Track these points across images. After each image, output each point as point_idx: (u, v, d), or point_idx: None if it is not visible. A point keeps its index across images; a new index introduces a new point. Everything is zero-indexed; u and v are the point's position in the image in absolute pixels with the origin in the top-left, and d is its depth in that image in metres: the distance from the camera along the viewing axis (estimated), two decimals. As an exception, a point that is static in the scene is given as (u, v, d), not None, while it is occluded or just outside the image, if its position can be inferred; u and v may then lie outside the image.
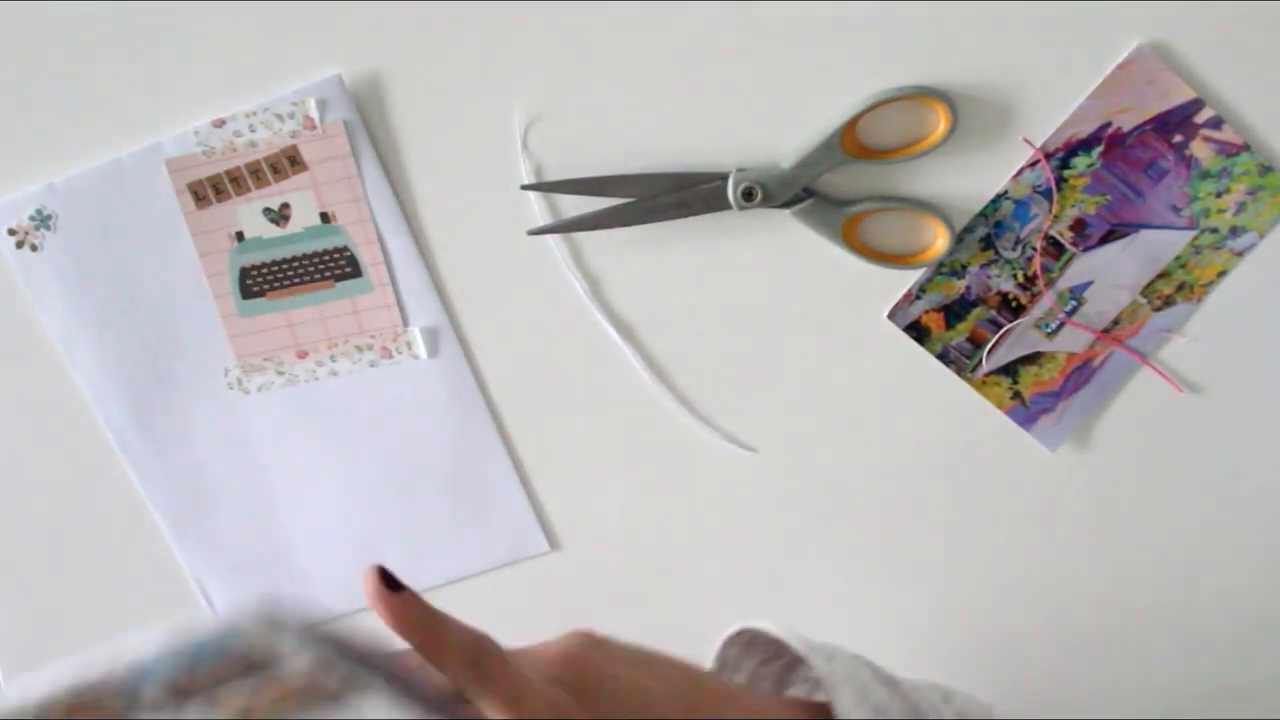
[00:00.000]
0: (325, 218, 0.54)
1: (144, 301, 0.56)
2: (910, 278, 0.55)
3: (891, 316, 0.56)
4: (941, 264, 0.55)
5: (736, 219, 0.54)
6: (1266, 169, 0.53)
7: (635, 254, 0.55)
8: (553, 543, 0.61)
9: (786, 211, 0.53)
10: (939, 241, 0.54)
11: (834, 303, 0.56)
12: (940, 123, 0.52)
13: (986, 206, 0.54)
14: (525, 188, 0.53)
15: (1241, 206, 0.54)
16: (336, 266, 0.54)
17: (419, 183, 0.54)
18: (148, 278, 0.55)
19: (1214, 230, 0.54)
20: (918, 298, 0.55)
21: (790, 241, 0.54)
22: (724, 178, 0.52)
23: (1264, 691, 0.64)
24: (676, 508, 0.60)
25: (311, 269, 0.55)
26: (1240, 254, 0.55)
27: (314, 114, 0.52)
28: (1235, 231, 0.54)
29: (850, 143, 0.52)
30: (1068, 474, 0.59)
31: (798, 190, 0.53)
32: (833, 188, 0.53)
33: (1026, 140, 0.53)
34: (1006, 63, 0.51)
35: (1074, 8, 0.50)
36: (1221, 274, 0.55)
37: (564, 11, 0.51)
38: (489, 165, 0.54)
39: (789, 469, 0.59)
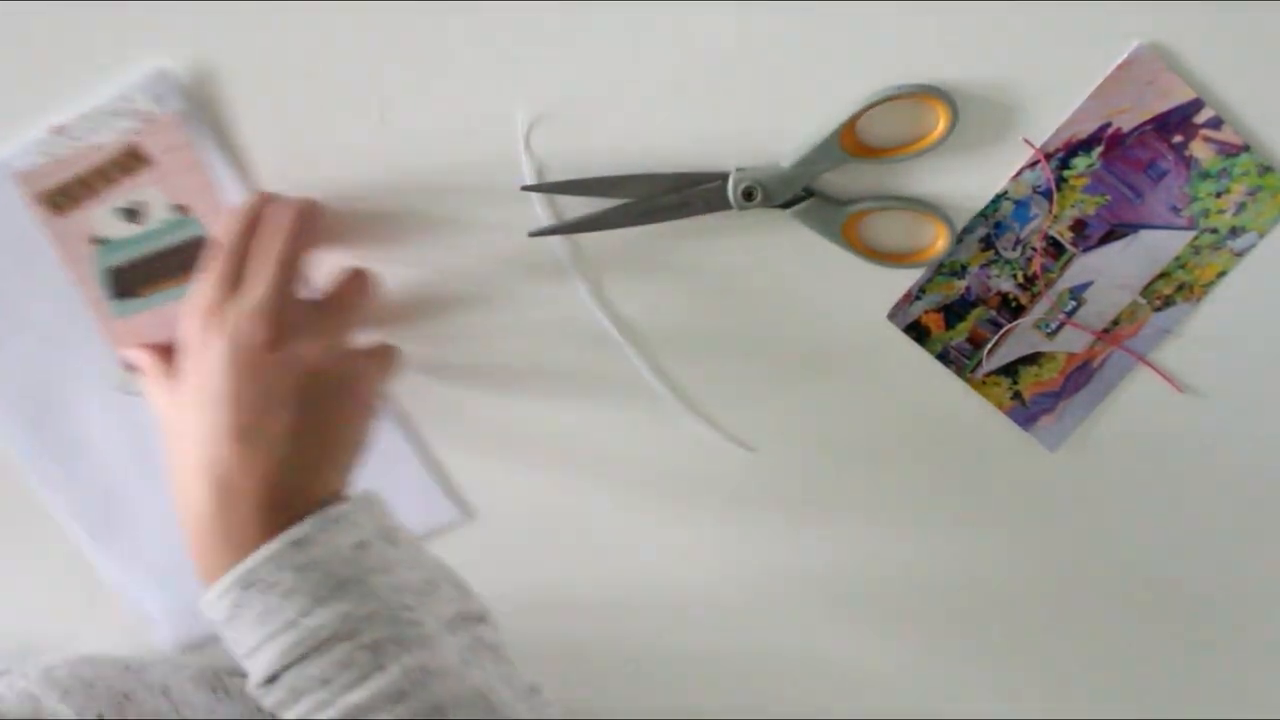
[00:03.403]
0: (180, 210, 0.54)
1: (21, 318, 0.56)
2: (910, 278, 0.55)
3: (891, 316, 0.56)
4: (941, 264, 0.55)
5: (736, 219, 0.54)
6: (1266, 169, 0.53)
7: (636, 254, 0.55)
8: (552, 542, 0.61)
9: (786, 211, 0.53)
10: (939, 241, 0.54)
11: (834, 303, 0.56)
12: (940, 122, 0.52)
13: (986, 206, 0.54)
14: (526, 188, 0.54)
15: (1241, 207, 0.54)
16: (199, 256, 0.53)
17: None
18: (20, 293, 0.55)
19: (1214, 230, 0.54)
20: (918, 298, 0.55)
21: (790, 241, 0.54)
22: (724, 178, 0.52)
23: (1264, 691, 0.64)
24: (676, 507, 0.60)
25: (176, 262, 0.55)
26: (1240, 254, 0.55)
27: (148, 108, 0.52)
28: (1235, 232, 0.54)
29: (850, 142, 0.52)
30: (1068, 474, 0.59)
31: (798, 190, 0.53)
32: (833, 187, 0.53)
33: (1026, 140, 0.53)
34: (1006, 63, 0.51)
35: (1074, 8, 0.50)
36: (1221, 274, 0.55)
37: (565, 12, 0.51)
38: (489, 166, 0.54)
39: (789, 468, 0.59)
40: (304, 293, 0.50)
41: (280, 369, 0.47)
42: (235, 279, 0.49)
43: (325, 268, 0.53)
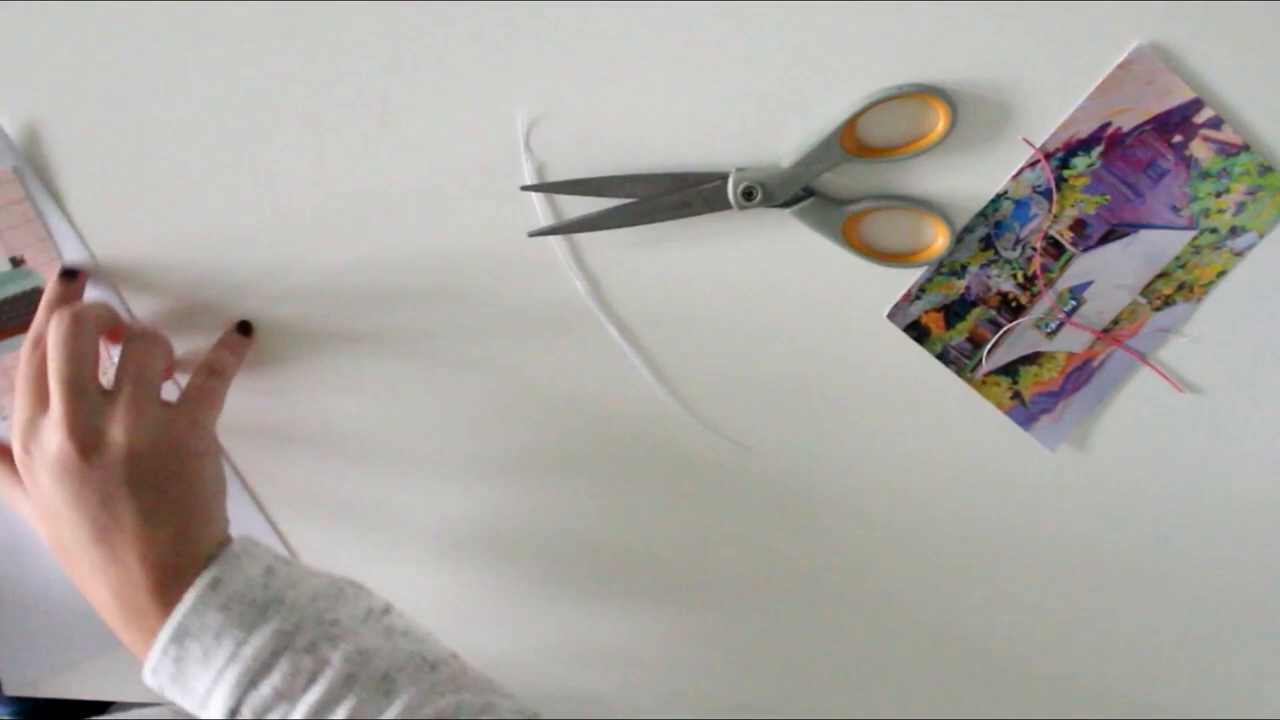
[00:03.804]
0: (16, 262, 0.56)
1: None
2: (910, 277, 0.55)
3: (891, 316, 0.56)
4: (941, 264, 0.55)
5: (736, 219, 0.54)
6: (1266, 169, 0.53)
7: (636, 254, 0.55)
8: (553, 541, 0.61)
9: (786, 211, 0.53)
10: (939, 241, 0.54)
11: (834, 303, 0.56)
12: (940, 121, 0.52)
13: (986, 206, 0.54)
14: (526, 189, 0.54)
15: (1241, 206, 0.54)
16: (37, 307, 0.55)
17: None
18: None
19: (1213, 230, 0.54)
20: (918, 298, 0.55)
21: (790, 241, 0.54)
22: (724, 178, 0.52)
23: (1264, 691, 0.64)
24: (676, 507, 0.60)
25: (13, 313, 0.57)
26: (1240, 254, 0.55)
27: None
28: (1235, 231, 0.54)
29: (850, 141, 0.52)
30: (1068, 474, 0.59)
31: (798, 190, 0.53)
32: (833, 187, 0.53)
33: (1026, 140, 0.53)
34: (1006, 62, 0.51)
35: (1074, 8, 0.50)
36: (1221, 274, 0.55)
37: (565, 12, 0.51)
38: (489, 166, 0.54)
39: (789, 469, 0.59)
40: (102, 378, 0.52)
41: (101, 470, 0.49)
42: (40, 398, 0.51)
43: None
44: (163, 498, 0.49)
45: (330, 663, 0.47)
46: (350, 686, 0.46)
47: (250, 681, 0.46)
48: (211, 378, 0.54)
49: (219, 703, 0.47)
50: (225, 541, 0.50)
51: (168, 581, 0.48)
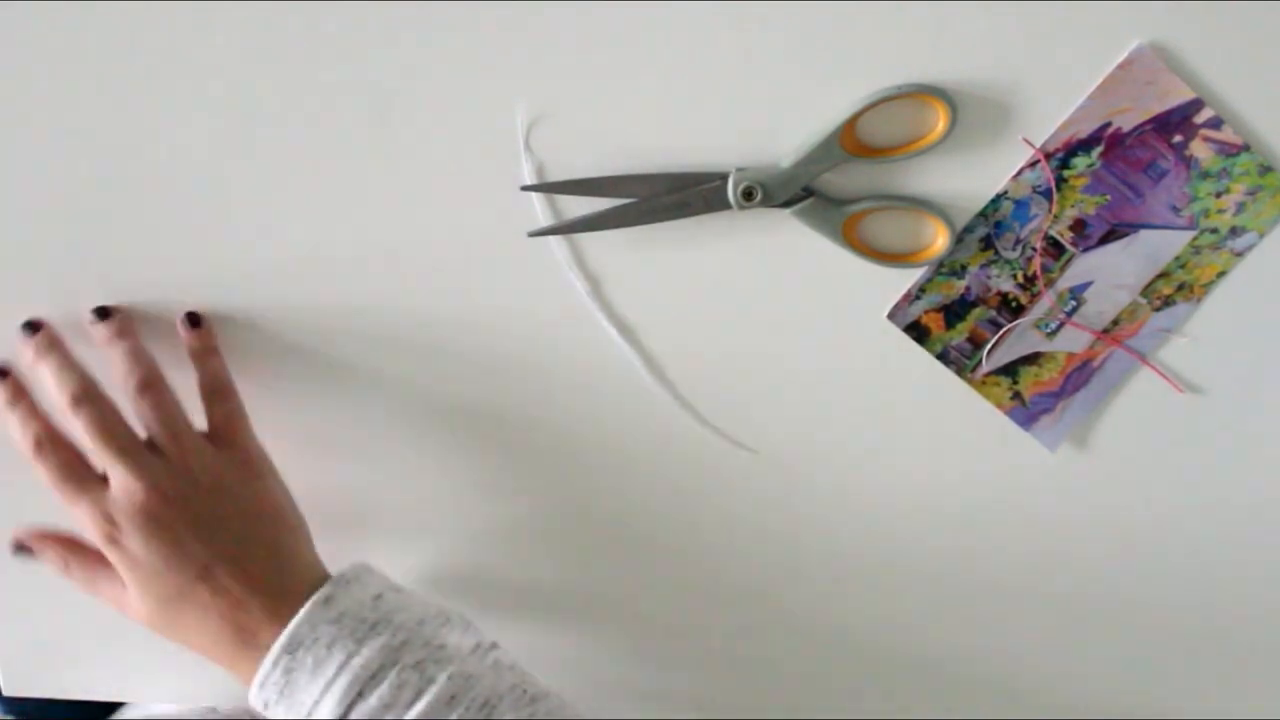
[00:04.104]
0: None
1: None
2: (910, 277, 0.55)
3: (891, 316, 0.56)
4: (941, 264, 0.55)
5: (736, 219, 0.54)
6: (1266, 169, 0.53)
7: (636, 254, 0.55)
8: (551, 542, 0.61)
9: (786, 211, 0.53)
10: (939, 241, 0.54)
11: (834, 303, 0.56)
12: (940, 121, 0.52)
13: (986, 206, 0.54)
14: (526, 189, 0.54)
15: (1241, 207, 0.54)
16: None
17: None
18: None
19: (1214, 230, 0.54)
20: (918, 298, 0.55)
21: (790, 241, 0.54)
22: (724, 178, 0.52)
23: (1264, 691, 0.64)
24: (676, 508, 0.60)
25: None
26: (1240, 254, 0.55)
27: None
28: (1235, 231, 0.54)
29: (850, 141, 0.52)
30: (1068, 474, 0.59)
31: (797, 190, 0.53)
32: (833, 187, 0.53)
33: (1026, 140, 0.53)
34: (1006, 62, 0.51)
35: (1074, 8, 0.50)
36: (1221, 274, 0.55)
37: (565, 12, 0.51)
38: (489, 166, 0.54)
39: (789, 469, 0.59)
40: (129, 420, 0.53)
41: (188, 510, 0.51)
42: (89, 480, 0.52)
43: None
44: (249, 521, 0.52)
45: (435, 681, 0.49)
46: (453, 707, 0.48)
47: (359, 692, 0.48)
48: (222, 401, 0.55)
49: (328, 708, 0.48)
50: (327, 576, 0.53)
51: (276, 598, 0.51)
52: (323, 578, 0.52)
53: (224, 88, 0.53)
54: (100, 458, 0.51)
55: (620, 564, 0.62)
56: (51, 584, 0.56)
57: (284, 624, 0.50)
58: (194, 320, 0.56)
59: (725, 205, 0.53)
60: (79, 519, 0.52)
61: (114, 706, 0.72)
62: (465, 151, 0.54)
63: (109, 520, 0.51)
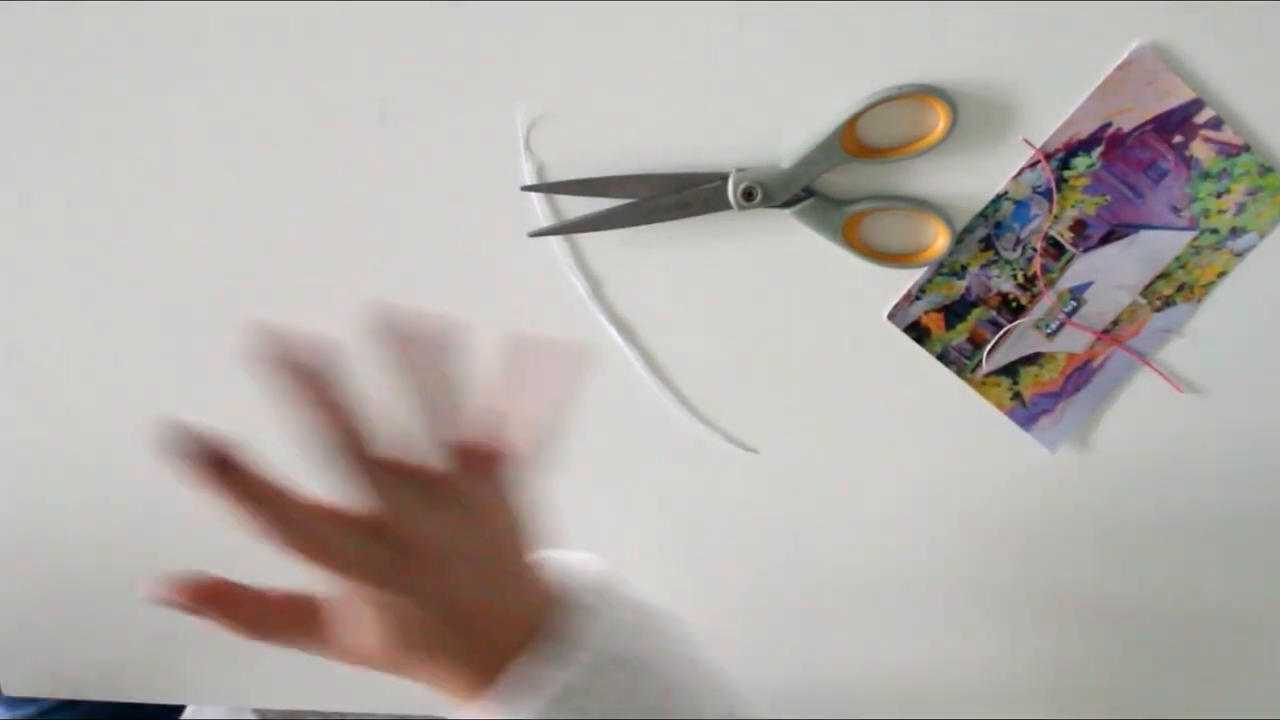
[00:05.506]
0: None
1: None
2: (910, 278, 0.55)
3: (891, 317, 0.56)
4: (941, 264, 0.55)
5: (736, 219, 0.54)
6: (1266, 169, 0.53)
7: (636, 254, 0.55)
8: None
9: (786, 211, 0.53)
10: (939, 241, 0.54)
11: (834, 303, 0.56)
12: (940, 122, 0.52)
13: (986, 206, 0.54)
14: (526, 189, 0.54)
15: (1241, 207, 0.54)
16: None
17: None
18: None
19: (1214, 231, 0.54)
20: (918, 298, 0.55)
21: (790, 241, 0.54)
22: (724, 178, 0.52)
23: (1264, 691, 0.64)
24: (677, 508, 0.60)
25: None
26: (1240, 254, 0.55)
27: None
28: (1235, 232, 0.54)
29: (850, 141, 0.52)
30: (1068, 474, 0.59)
31: (797, 190, 0.53)
32: (833, 187, 0.53)
33: (1026, 140, 0.53)
34: (1006, 63, 0.51)
35: (1074, 8, 0.50)
36: (1221, 274, 0.55)
37: (565, 12, 0.51)
38: (489, 166, 0.54)
39: (789, 469, 0.59)
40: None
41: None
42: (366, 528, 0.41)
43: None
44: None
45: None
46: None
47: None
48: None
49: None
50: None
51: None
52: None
53: (224, 87, 0.53)
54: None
55: (620, 564, 0.62)
56: (51, 584, 0.56)
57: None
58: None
59: (725, 205, 0.53)
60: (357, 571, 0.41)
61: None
62: (465, 151, 0.54)
63: (365, 589, 0.41)
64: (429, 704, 0.66)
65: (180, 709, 0.79)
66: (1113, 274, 0.55)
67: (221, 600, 0.41)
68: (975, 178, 0.53)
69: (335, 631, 0.43)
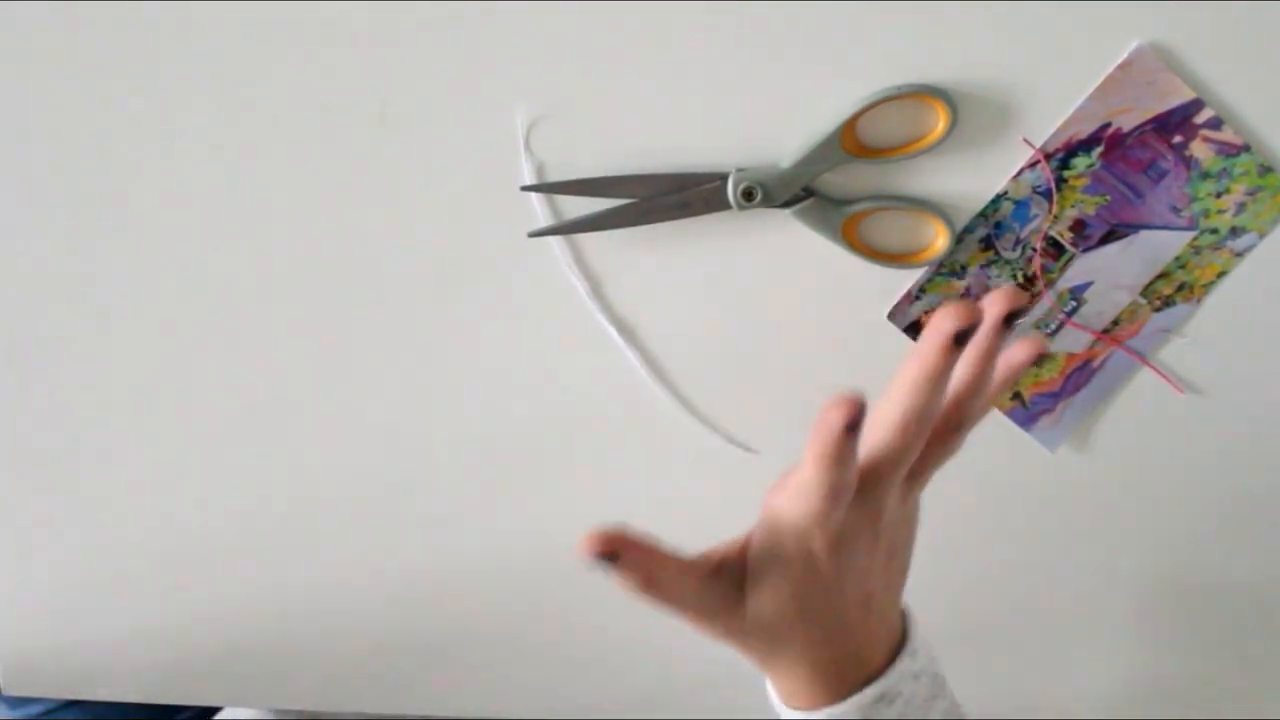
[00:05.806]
0: None
1: None
2: (910, 278, 0.55)
3: (891, 317, 0.56)
4: (941, 264, 0.55)
5: (736, 219, 0.54)
6: (1266, 169, 0.53)
7: (636, 254, 0.55)
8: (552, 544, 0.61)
9: (786, 211, 0.53)
10: (939, 241, 0.54)
11: (834, 303, 0.56)
12: (940, 122, 0.52)
13: (986, 206, 0.54)
14: (526, 189, 0.54)
15: (1241, 207, 0.54)
16: None
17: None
18: None
19: (1214, 231, 0.54)
20: (918, 298, 0.55)
21: (790, 241, 0.54)
22: (724, 178, 0.52)
23: (1264, 691, 0.64)
24: (677, 508, 0.60)
25: None
26: (1240, 254, 0.55)
27: None
28: (1235, 232, 0.54)
29: (850, 141, 0.52)
30: (1067, 474, 0.59)
31: (797, 190, 0.53)
32: (833, 187, 0.53)
33: (1026, 140, 0.53)
34: (1006, 63, 0.51)
35: (1074, 8, 0.50)
36: (1221, 274, 0.55)
37: (565, 12, 0.51)
38: (489, 166, 0.54)
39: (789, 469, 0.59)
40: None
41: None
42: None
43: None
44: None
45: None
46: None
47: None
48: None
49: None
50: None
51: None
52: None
53: (223, 87, 0.53)
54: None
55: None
56: (51, 584, 0.56)
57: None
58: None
59: (725, 205, 0.53)
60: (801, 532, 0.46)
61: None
62: (465, 151, 0.54)
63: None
64: (451, 705, 0.66)
65: (180, 709, 0.79)
66: (1112, 274, 0.55)
67: (636, 554, 0.42)
68: (975, 178, 0.53)
69: (717, 606, 0.46)
